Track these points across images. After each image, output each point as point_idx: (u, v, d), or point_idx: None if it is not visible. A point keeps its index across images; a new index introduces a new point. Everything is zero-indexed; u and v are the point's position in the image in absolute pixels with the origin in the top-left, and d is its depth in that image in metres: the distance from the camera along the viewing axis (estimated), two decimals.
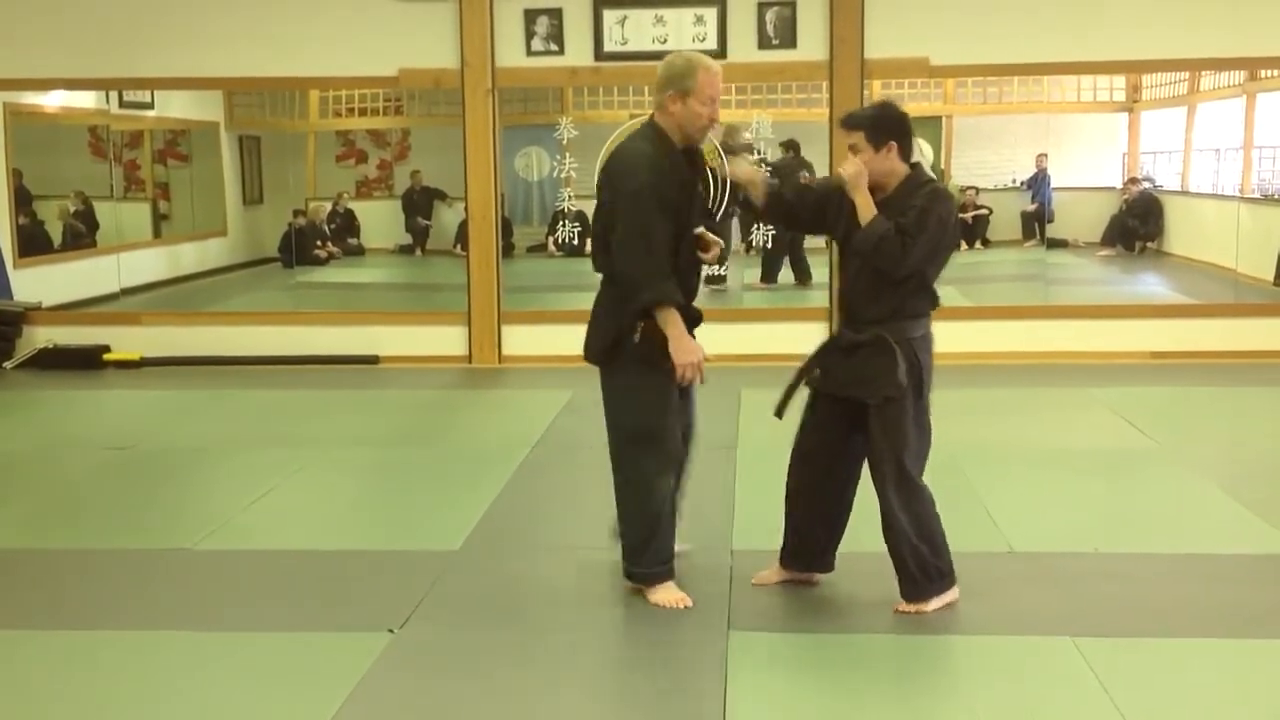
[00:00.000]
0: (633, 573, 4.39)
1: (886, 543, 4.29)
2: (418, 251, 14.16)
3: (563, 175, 10.15)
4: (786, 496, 4.48)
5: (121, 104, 11.62)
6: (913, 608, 4.23)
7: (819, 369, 4.35)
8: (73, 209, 12.09)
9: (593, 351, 4.39)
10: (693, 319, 4.29)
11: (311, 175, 13.74)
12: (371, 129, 14.64)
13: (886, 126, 4.14)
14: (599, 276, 4.42)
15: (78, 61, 9.42)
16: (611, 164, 4.32)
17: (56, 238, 11.86)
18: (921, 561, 4.23)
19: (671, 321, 4.15)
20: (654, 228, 4.13)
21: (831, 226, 4.34)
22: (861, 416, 4.25)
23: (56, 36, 9.34)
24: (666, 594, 4.33)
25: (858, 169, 4.12)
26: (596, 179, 4.36)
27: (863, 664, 3.91)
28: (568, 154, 10.00)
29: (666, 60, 4.35)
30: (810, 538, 4.48)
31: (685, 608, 4.28)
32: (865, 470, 4.37)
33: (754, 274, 11.02)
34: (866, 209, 4.11)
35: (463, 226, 9.76)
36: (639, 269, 4.15)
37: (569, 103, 11.05)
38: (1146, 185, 13.70)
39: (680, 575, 4.44)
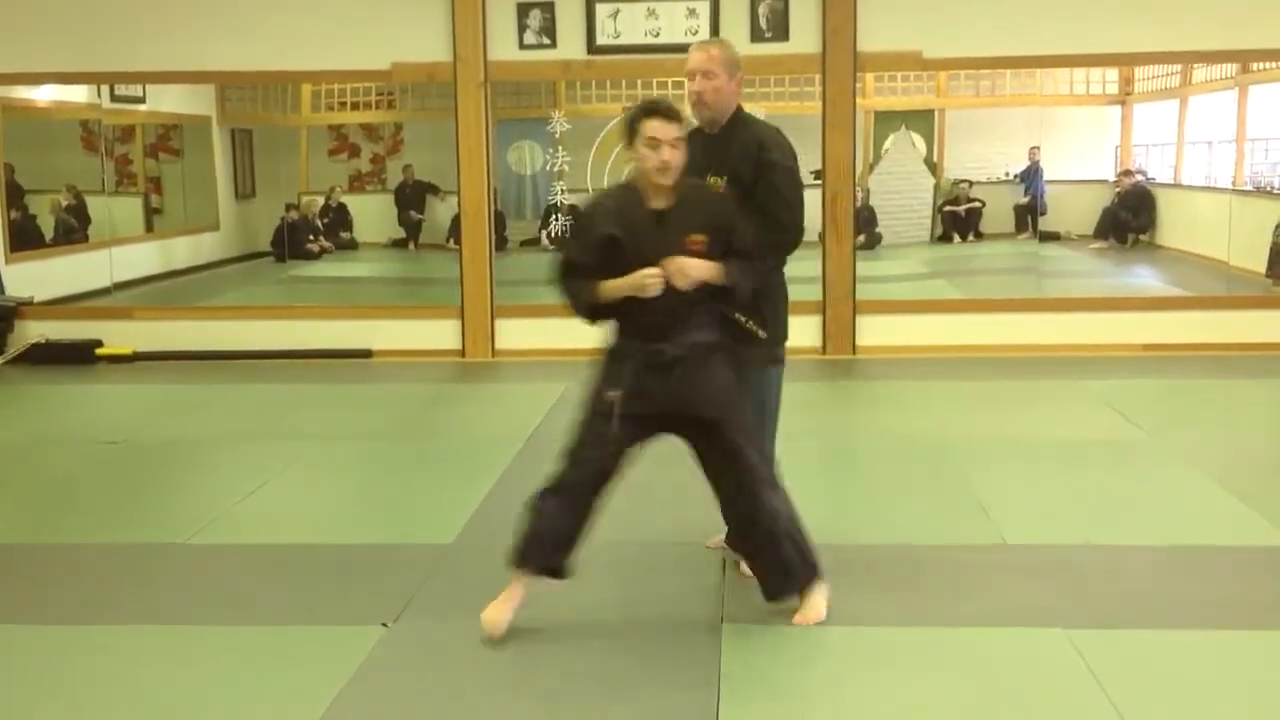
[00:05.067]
0: None
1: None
2: (410, 245, 14.13)
3: (556, 169, 10.13)
4: None
5: (114, 98, 11.58)
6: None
7: None
8: (64, 203, 12.05)
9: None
10: None
11: (304, 169, 13.69)
12: (364, 123, 14.61)
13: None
14: None
15: (70, 55, 9.41)
16: (773, 140, 4.27)
17: (48, 232, 11.83)
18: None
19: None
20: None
21: None
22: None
23: (48, 30, 9.31)
24: None
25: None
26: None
27: (855, 656, 3.91)
28: (560, 147, 9.98)
29: (724, 41, 4.43)
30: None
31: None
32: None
33: None
34: (720, 275, 3.95)
35: (455, 220, 9.75)
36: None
37: (562, 96, 11.04)
38: (1139, 178, 13.71)
39: (672, 567, 4.45)
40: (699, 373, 3.97)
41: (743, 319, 4.13)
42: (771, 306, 4.30)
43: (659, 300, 3.88)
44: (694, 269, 3.89)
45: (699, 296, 3.94)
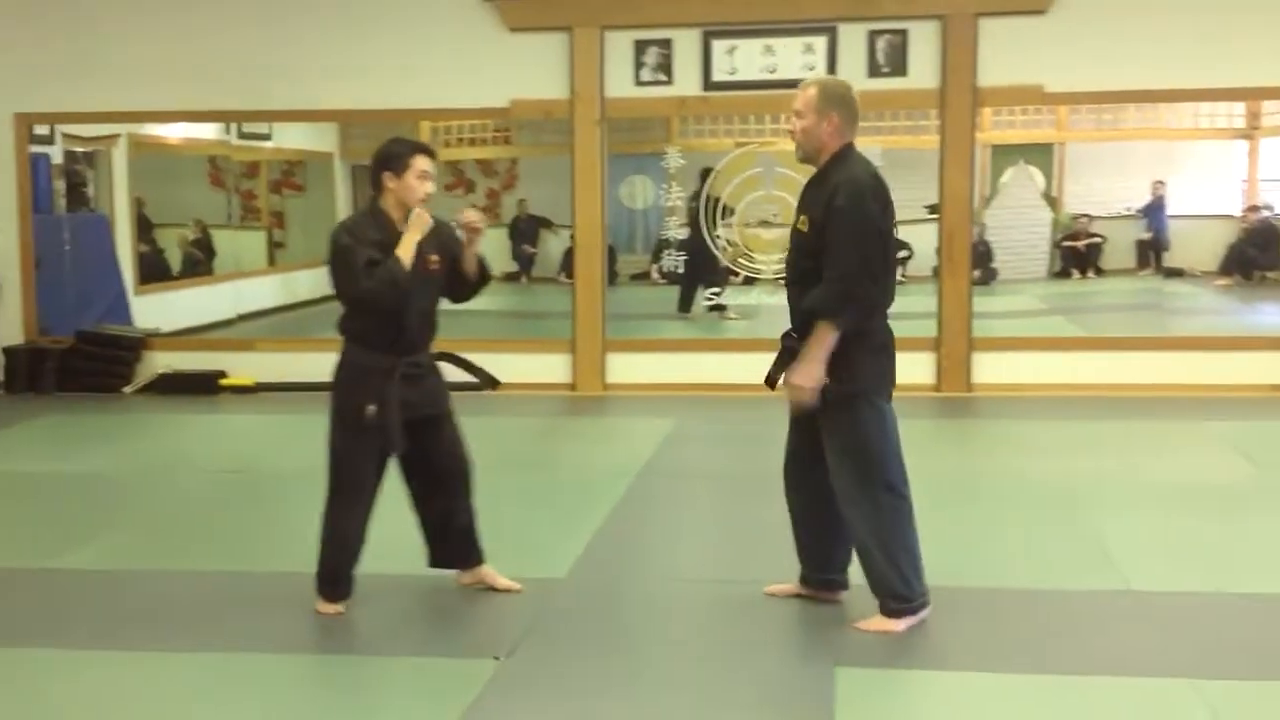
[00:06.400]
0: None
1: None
2: (523, 279, 14.29)
3: (668, 204, 10.17)
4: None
5: (240, 135, 11.92)
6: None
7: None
8: (191, 237, 12.42)
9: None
10: None
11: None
12: (480, 158, 14.84)
13: None
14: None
15: (199, 94, 9.69)
16: (849, 186, 4.27)
17: (175, 265, 12.19)
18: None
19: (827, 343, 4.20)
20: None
21: None
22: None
23: (179, 70, 9.61)
24: None
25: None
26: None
27: (973, 702, 3.83)
28: (673, 182, 10.02)
29: (824, 82, 4.42)
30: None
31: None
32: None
33: None
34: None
35: (568, 254, 9.83)
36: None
37: (674, 131, 11.09)
38: (1266, 213, 13.35)
39: (782, 608, 4.40)
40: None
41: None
42: (851, 352, 4.22)
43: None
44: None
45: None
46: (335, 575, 4.59)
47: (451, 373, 4.79)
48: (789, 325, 4.41)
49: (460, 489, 4.74)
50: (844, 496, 4.30)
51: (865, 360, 4.25)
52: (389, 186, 4.48)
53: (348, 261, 4.39)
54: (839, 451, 4.28)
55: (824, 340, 4.17)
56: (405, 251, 4.38)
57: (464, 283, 4.72)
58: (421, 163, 4.47)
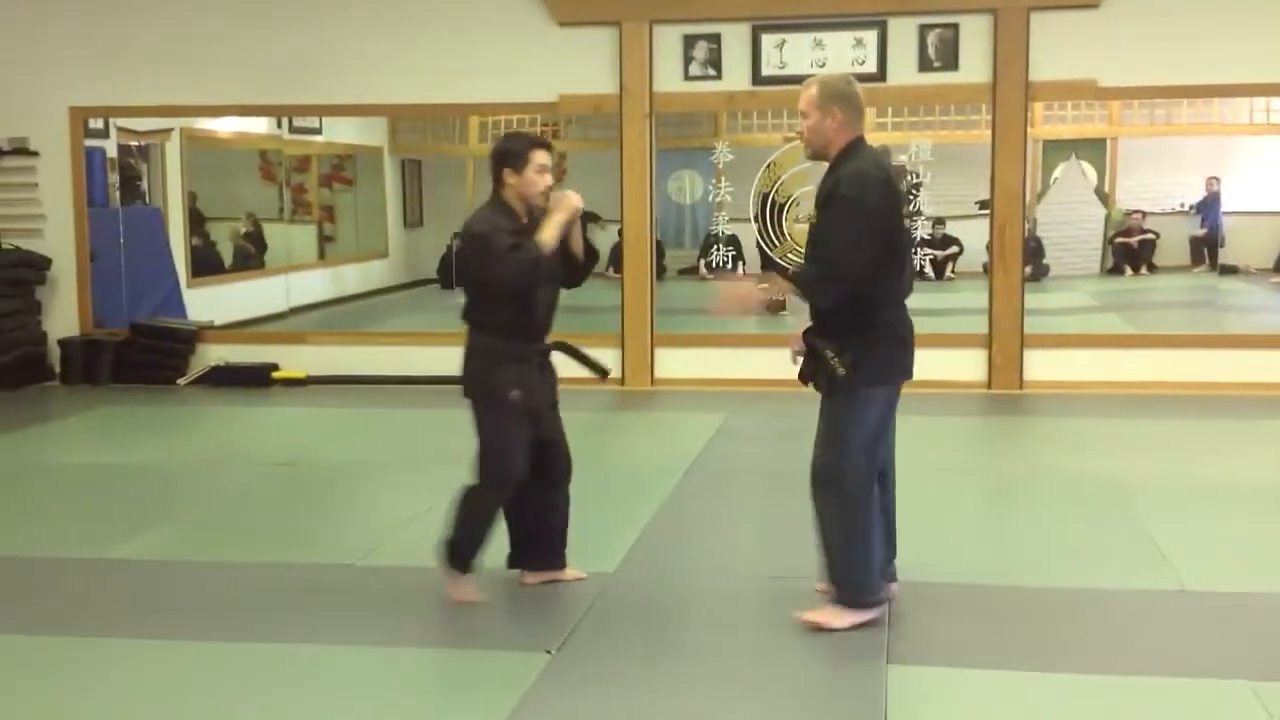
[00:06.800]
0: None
1: None
2: None
3: (716, 199, 10.15)
4: None
5: (291, 129, 12.01)
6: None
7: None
8: (243, 230, 12.52)
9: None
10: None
11: (470, 198, 13.99)
12: None
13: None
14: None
15: (251, 89, 9.77)
16: (852, 177, 4.31)
17: (228, 258, 12.30)
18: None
19: None
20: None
21: None
22: None
23: (231, 64, 9.69)
24: None
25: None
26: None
27: (1025, 701, 3.80)
28: (722, 177, 10.00)
29: (824, 79, 4.40)
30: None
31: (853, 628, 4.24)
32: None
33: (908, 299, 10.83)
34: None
35: (616, 249, 9.82)
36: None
37: (723, 126, 11.06)
38: None
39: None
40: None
41: (830, 355, 4.22)
42: (861, 342, 4.23)
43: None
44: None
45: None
46: (469, 552, 4.61)
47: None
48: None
49: (563, 484, 4.80)
50: (811, 480, 4.34)
51: (877, 353, 4.25)
52: (509, 182, 4.54)
53: (488, 246, 4.42)
54: (819, 434, 4.34)
55: (785, 287, 4.27)
56: (549, 234, 4.45)
57: (574, 266, 4.74)
58: (540, 157, 4.54)
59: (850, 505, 4.26)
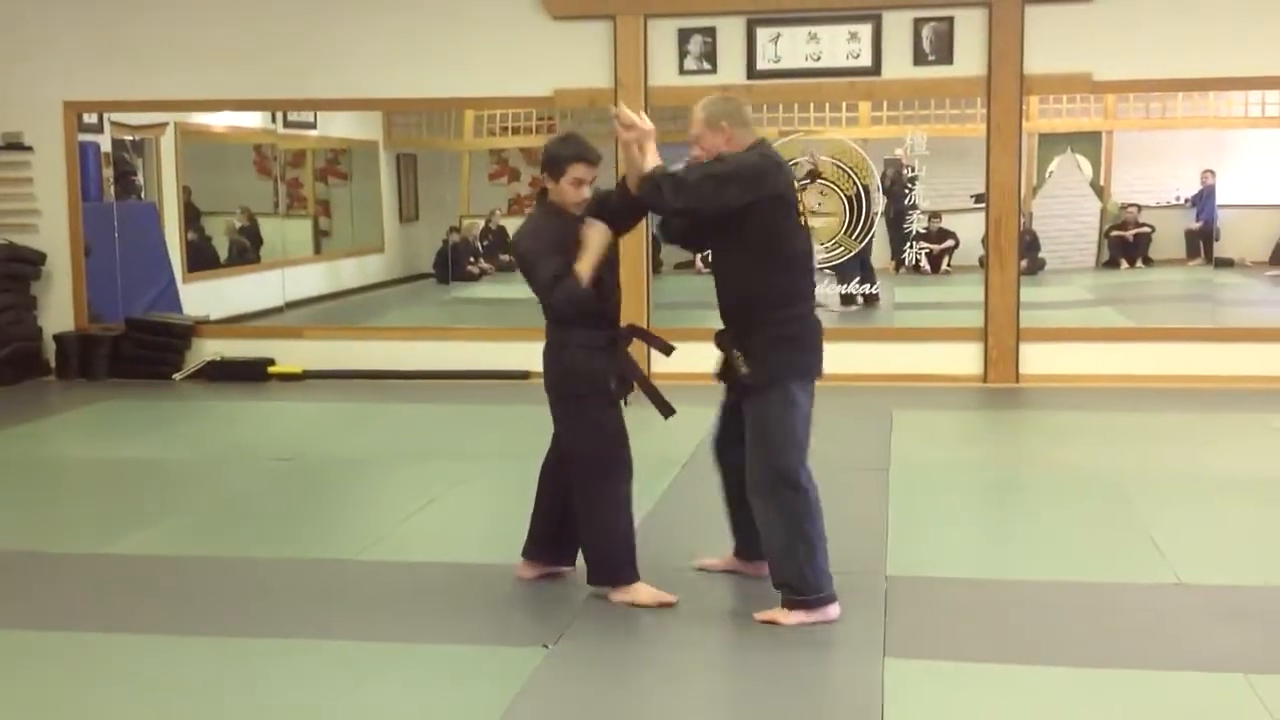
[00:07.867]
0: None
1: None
2: None
3: None
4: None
5: (286, 124, 11.98)
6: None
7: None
8: (238, 225, 12.50)
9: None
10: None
11: (465, 193, 13.97)
12: (524, 147, 14.84)
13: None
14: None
15: (246, 83, 9.76)
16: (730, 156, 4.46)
17: (223, 253, 12.28)
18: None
19: None
20: None
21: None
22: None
23: (226, 59, 9.68)
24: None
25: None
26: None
27: (1023, 695, 3.81)
28: None
29: (709, 101, 4.58)
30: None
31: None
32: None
33: (904, 293, 10.85)
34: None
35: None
36: None
37: None
38: None
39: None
40: None
41: (736, 354, 4.38)
42: (761, 341, 4.36)
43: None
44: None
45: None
46: (626, 555, 4.56)
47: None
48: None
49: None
50: (748, 482, 4.41)
51: (779, 352, 4.35)
52: (548, 186, 4.51)
53: (534, 272, 4.42)
54: (749, 439, 4.40)
55: (652, 163, 4.34)
56: (586, 269, 4.38)
57: (624, 214, 4.62)
58: (577, 170, 4.43)
59: (787, 506, 4.31)
